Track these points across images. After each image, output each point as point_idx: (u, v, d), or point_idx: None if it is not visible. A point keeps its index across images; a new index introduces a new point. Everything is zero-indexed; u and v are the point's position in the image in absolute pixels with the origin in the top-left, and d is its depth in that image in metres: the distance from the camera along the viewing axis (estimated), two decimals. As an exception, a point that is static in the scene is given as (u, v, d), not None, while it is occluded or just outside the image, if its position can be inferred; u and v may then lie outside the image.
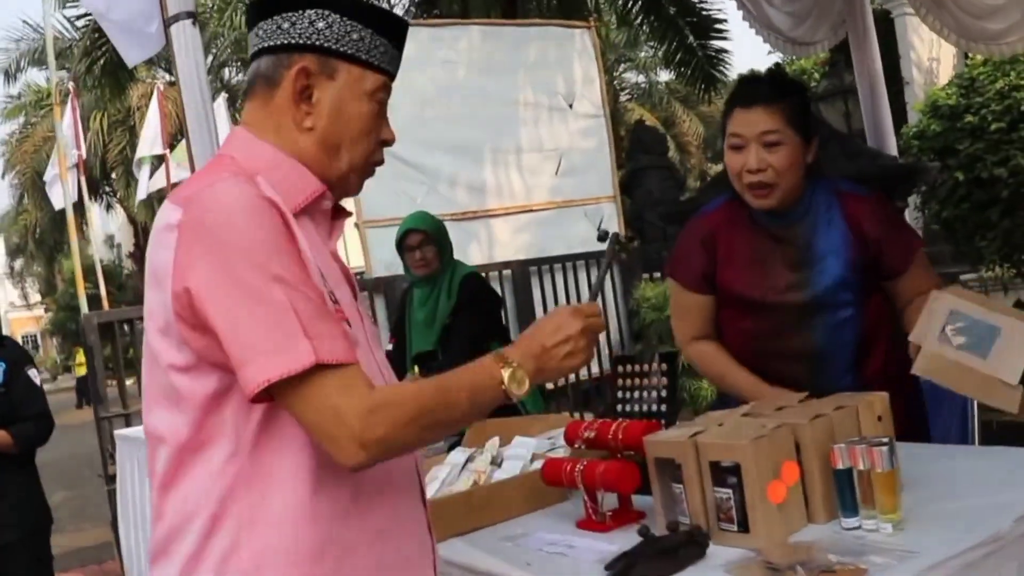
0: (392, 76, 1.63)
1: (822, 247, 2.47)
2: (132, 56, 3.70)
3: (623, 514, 2.06)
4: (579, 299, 8.21)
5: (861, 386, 2.31)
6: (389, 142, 1.65)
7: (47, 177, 12.45)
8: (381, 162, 1.65)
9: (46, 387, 4.60)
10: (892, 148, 5.22)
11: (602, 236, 1.79)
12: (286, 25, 1.54)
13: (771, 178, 2.40)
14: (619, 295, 8.51)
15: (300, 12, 1.53)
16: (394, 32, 1.60)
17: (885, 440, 1.74)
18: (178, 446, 1.46)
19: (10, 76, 27.77)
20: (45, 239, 29.83)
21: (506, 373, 1.47)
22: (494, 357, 1.50)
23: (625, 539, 1.91)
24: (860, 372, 2.47)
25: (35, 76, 29.63)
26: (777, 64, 4.76)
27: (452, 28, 8.14)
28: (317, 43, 1.53)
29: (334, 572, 1.45)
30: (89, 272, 15.69)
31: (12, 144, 28.53)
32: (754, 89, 2.48)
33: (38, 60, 26.52)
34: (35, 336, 51.36)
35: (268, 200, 1.42)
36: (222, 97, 13.48)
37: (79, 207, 12.41)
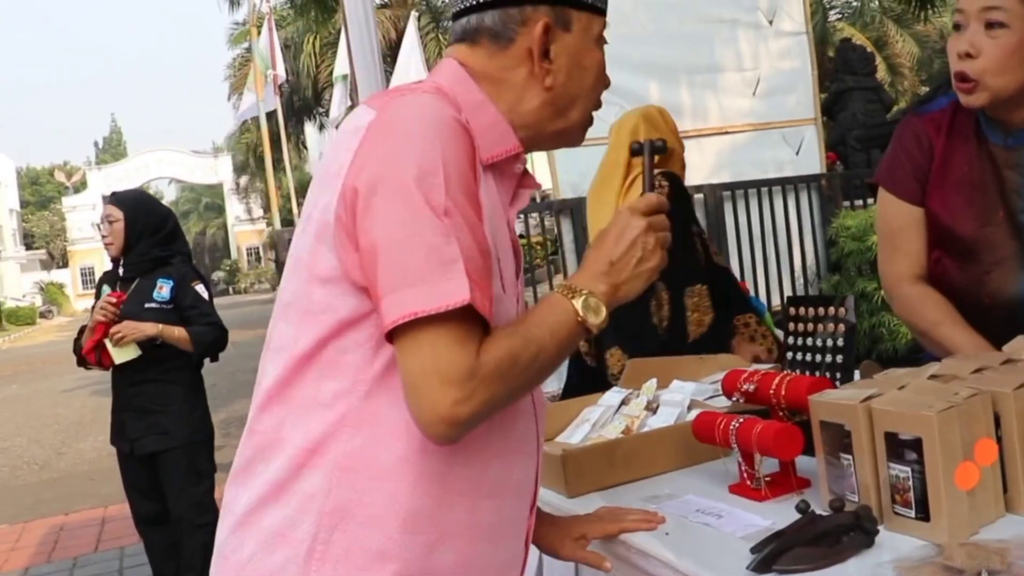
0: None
1: None
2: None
3: (783, 481, 1.76)
4: (773, 226, 7.76)
5: None
6: (608, 85, 1.49)
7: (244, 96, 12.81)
8: (600, 106, 1.49)
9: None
10: None
11: (636, 151, 1.52)
12: None
13: (977, 70, 1.93)
14: (816, 223, 7.98)
15: None
16: None
17: (1112, 420, 1.38)
18: (291, 364, 1.30)
19: (235, 3, 28.74)
20: (265, 157, 30.97)
21: (578, 303, 1.30)
22: (561, 290, 1.32)
23: (782, 512, 1.62)
24: None
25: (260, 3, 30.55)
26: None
27: (646, -60, 7.69)
28: None
29: (424, 547, 1.28)
30: (303, 188, 16.11)
31: (236, 68, 29.56)
32: None
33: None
34: (258, 248, 53.95)
35: (463, 126, 1.26)
36: (412, 16, 13.29)
37: (284, 124, 12.70)
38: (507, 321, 1.29)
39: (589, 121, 1.49)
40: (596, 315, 1.30)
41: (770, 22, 7.93)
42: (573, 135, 1.48)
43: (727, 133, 7.82)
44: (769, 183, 7.66)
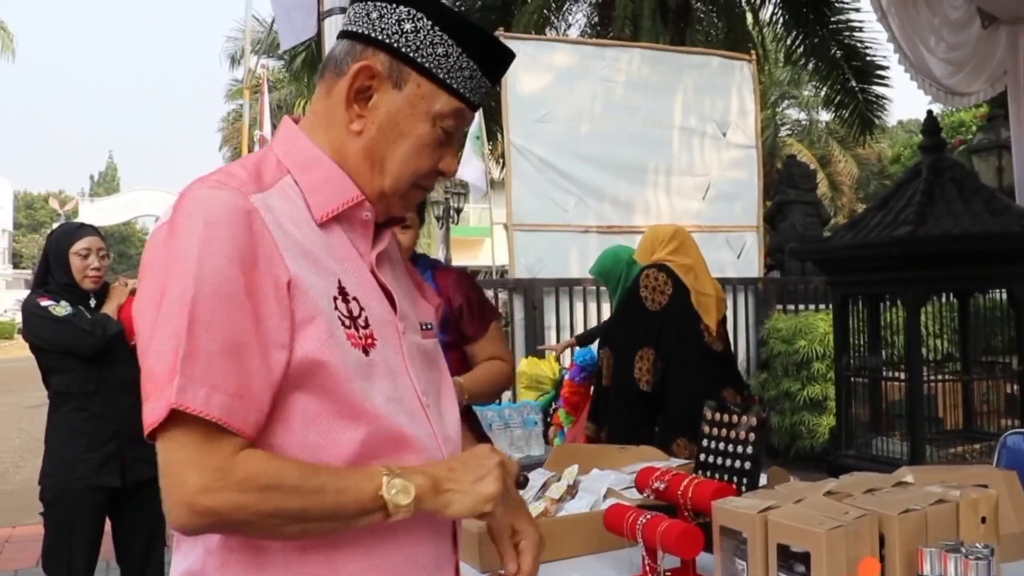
0: (473, 106, 1.33)
1: None
2: (286, 40, 3.55)
3: (683, 577, 1.75)
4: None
5: None
6: (446, 174, 1.36)
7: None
8: (429, 190, 1.38)
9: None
10: (1043, 209, 4.67)
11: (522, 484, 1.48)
12: (374, 15, 1.27)
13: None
14: (751, 323, 8.05)
15: (392, 6, 1.26)
16: (488, 59, 1.31)
17: (985, 552, 1.38)
18: None
19: (235, 62, 28.87)
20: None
21: (387, 479, 1.17)
22: (383, 465, 1.20)
23: (678, 608, 1.60)
24: None
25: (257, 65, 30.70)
26: (930, 112, 4.37)
27: (614, 48, 7.82)
28: (396, 44, 1.26)
29: None
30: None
31: (229, 122, 29.60)
32: None
33: (259, 50, 27.48)
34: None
35: (247, 212, 1.17)
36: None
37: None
38: (357, 367, 1.21)
39: (407, 197, 1.34)
40: (403, 495, 1.17)
41: (724, 134, 8.08)
42: (388, 202, 1.33)
43: (676, 232, 7.89)
44: (710, 282, 7.72)
